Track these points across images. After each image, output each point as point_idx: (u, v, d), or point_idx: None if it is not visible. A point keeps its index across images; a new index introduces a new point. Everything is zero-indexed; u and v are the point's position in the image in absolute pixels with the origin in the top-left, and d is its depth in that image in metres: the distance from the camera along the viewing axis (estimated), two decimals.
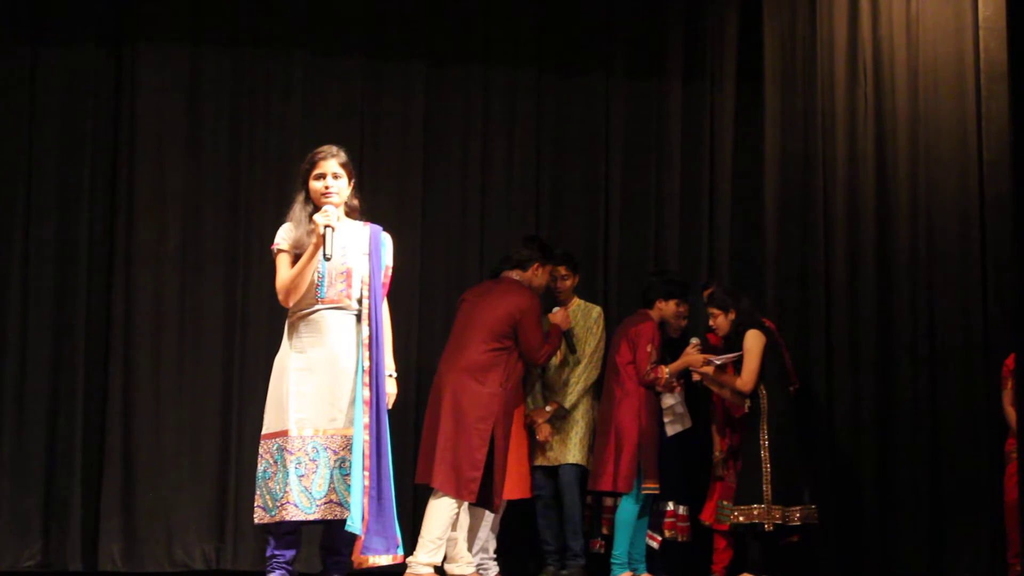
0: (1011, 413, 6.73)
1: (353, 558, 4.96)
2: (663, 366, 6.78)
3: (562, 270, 6.99)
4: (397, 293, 5.49)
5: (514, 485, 6.65)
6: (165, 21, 7.30)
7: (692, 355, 6.83)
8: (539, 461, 6.92)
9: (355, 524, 4.77)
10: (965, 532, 7.03)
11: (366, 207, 5.27)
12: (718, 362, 6.70)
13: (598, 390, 7.00)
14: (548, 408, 6.92)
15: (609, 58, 7.84)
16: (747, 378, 6.57)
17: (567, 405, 6.92)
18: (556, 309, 6.84)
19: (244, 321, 7.24)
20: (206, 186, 7.32)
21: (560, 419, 6.92)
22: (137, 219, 7.20)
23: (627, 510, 6.70)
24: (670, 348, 6.99)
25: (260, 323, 7.16)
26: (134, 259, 7.16)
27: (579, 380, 6.95)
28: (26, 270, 7.10)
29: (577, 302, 7.10)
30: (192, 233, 7.27)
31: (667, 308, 6.94)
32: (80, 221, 7.15)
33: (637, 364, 6.77)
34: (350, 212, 5.10)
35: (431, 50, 7.61)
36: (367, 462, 4.82)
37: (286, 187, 6.94)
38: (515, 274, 6.69)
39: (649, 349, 6.78)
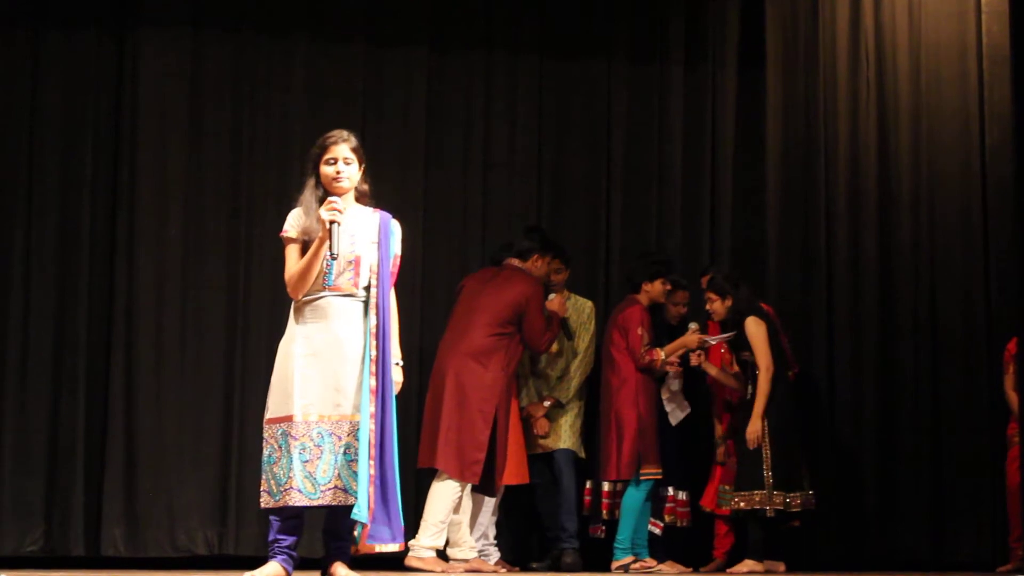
0: (1013, 398, 6.76)
1: (357, 546, 4.95)
2: (658, 348, 6.77)
3: (556, 263, 6.99)
4: (400, 280, 5.48)
5: (511, 471, 6.66)
6: (166, 7, 7.26)
7: (689, 336, 6.83)
8: (533, 450, 6.94)
9: (362, 512, 4.77)
10: (967, 516, 7.06)
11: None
12: (713, 341, 6.72)
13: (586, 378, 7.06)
14: (546, 403, 6.95)
15: (611, 44, 7.81)
16: (765, 362, 6.57)
17: (564, 400, 6.96)
18: (552, 296, 6.84)
19: (246, 308, 7.21)
20: (207, 173, 7.29)
21: (553, 409, 6.97)
22: (139, 206, 7.16)
23: (633, 497, 6.71)
24: (671, 336, 6.99)
25: (262, 310, 7.14)
26: (136, 246, 7.13)
27: (575, 375, 7.00)
28: (28, 257, 7.06)
29: (568, 295, 7.10)
30: (194, 220, 7.23)
31: (654, 288, 6.92)
32: (82, 208, 7.11)
33: (631, 349, 6.75)
34: (360, 197, 5.07)
35: (433, 36, 7.58)
36: (372, 451, 4.82)
37: (287, 173, 6.97)
38: (516, 262, 6.69)
39: (640, 332, 6.76)
